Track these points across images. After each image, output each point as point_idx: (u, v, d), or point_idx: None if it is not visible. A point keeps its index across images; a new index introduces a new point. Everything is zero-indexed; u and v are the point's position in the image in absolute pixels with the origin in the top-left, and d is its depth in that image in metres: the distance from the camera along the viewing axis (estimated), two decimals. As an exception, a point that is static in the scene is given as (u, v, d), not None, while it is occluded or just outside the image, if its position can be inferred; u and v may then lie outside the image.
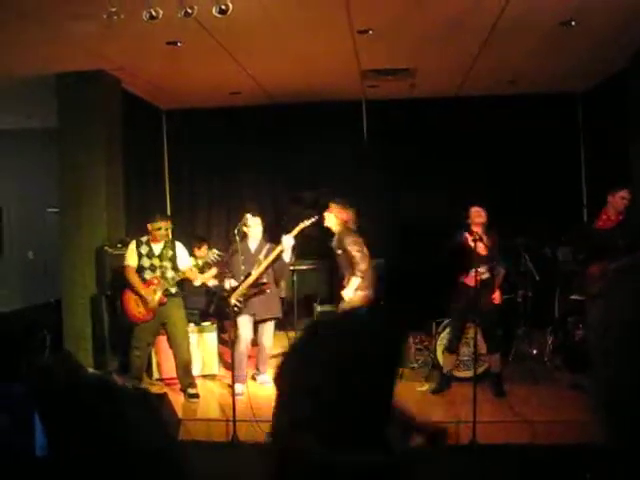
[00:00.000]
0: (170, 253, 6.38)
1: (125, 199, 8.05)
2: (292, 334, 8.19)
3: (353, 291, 6.30)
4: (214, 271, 7.33)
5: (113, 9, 5.24)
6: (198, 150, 9.82)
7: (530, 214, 8.68)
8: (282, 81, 8.29)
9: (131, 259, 6.36)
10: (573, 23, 6.14)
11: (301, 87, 8.55)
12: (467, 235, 5.94)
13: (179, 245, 6.54)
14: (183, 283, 6.64)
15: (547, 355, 7.14)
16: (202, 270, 7.05)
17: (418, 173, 9.23)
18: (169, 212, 10.02)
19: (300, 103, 9.20)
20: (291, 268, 8.12)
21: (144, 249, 6.35)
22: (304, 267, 8.78)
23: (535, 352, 7.30)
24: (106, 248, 7.36)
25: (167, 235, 6.42)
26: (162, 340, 6.82)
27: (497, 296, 6.29)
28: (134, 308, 6.29)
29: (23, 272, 10.47)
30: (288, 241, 6.40)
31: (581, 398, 5.74)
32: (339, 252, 6.49)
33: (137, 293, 6.26)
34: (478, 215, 6.14)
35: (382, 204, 9.26)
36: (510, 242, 7.43)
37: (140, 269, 6.32)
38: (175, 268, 6.35)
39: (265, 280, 6.56)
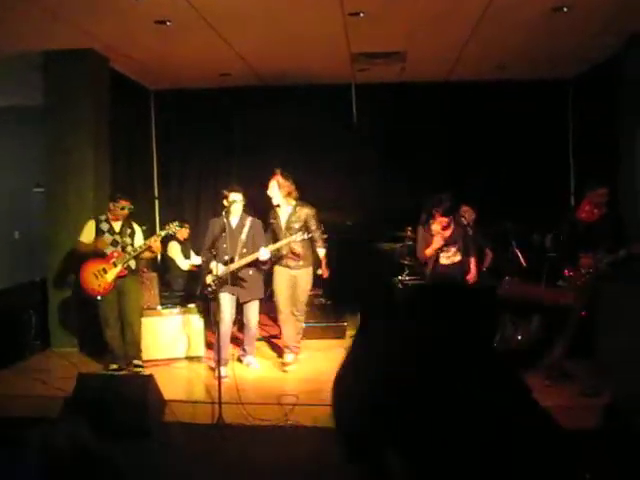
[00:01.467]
0: (129, 230, 6.60)
1: (112, 179, 7.99)
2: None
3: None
4: (198, 261, 7.37)
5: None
6: (186, 131, 9.76)
7: (519, 200, 8.71)
8: (272, 63, 8.24)
9: (85, 236, 6.53)
10: (565, 9, 6.14)
11: (291, 69, 8.50)
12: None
13: (135, 224, 6.74)
14: (165, 263, 6.69)
15: (532, 341, 7.16)
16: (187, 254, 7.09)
17: (407, 156, 9.22)
18: (156, 193, 10.00)
19: (290, 85, 9.16)
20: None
21: (104, 226, 6.53)
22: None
23: (520, 338, 7.33)
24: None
25: (127, 214, 6.59)
26: (147, 322, 6.83)
27: (472, 276, 6.39)
28: (93, 282, 6.38)
29: (9, 252, 10.39)
30: (264, 254, 6.41)
31: (567, 384, 5.80)
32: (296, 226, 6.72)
33: (90, 268, 6.38)
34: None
35: (371, 187, 9.24)
36: (499, 227, 7.49)
37: (102, 245, 6.47)
38: (132, 245, 6.54)
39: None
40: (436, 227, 6.17)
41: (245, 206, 6.67)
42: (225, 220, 6.34)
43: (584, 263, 5.64)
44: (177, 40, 7.09)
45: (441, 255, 6.25)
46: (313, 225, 6.74)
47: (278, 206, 6.80)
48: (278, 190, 6.73)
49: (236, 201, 6.56)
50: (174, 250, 8.35)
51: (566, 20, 6.42)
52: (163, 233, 6.60)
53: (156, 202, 9.98)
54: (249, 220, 6.65)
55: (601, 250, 5.53)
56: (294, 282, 6.75)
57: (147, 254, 6.71)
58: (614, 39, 7.08)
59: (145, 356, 6.81)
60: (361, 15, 6.37)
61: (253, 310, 6.70)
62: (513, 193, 8.84)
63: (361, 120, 9.53)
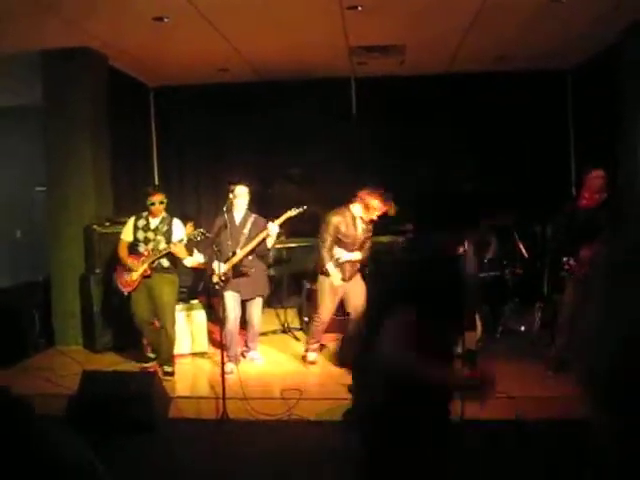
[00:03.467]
0: (165, 228, 6.42)
1: (112, 177, 8.00)
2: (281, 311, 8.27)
3: None
4: (202, 259, 7.33)
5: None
6: (186, 127, 9.76)
7: (520, 191, 8.71)
8: (270, 58, 8.23)
9: (125, 233, 6.48)
10: (563, -1, 6.13)
11: (289, 64, 8.49)
12: None
13: (177, 222, 6.55)
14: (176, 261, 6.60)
15: (535, 331, 7.20)
16: (190, 251, 7.02)
17: (407, 150, 9.21)
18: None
19: (288, 80, 9.15)
20: (281, 246, 8.11)
21: (141, 223, 6.43)
22: (294, 245, 8.77)
23: (523, 328, 7.36)
24: (94, 226, 7.36)
25: (162, 209, 6.43)
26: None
27: None
28: (122, 277, 6.40)
29: (11, 251, 10.42)
30: (274, 229, 6.37)
31: (567, 374, 5.81)
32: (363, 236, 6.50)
33: (123, 265, 6.38)
34: None
35: (370, 180, 9.21)
36: (500, 218, 7.50)
37: (135, 242, 6.40)
38: (169, 243, 6.37)
39: (250, 258, 6.54)
40: None
41: (250, 202, 6.65)
42: (226, 216, 6.23)
43: (584, 254, 5.63)
44: (175, 36, 7.08)
45: None
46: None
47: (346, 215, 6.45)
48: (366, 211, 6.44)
49: (241, 195, 6.51)
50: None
51: (564, 9, 6.40)
52: (185, 239, 6.38)
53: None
54: (253, 217, 6.60)
55: (601, 240, 5.51)
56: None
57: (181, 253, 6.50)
58: (613, 28, 7.06)
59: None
60: (359, 8, 6.36)
61: (256, 307, 6.69)
62: (514, 184, 8.84)
63: (360, 114, 9.53)
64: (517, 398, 5.32)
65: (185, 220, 8.26)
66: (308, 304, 7.96)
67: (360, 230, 6.42)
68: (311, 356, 6.70)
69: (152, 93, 9.89)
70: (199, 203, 9.96)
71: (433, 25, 7.00)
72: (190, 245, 8.21)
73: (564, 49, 8.05)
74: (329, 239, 6.35)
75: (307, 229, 7.85)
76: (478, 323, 6.47)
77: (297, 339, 7.76)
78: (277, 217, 6.47)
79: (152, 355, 6.66)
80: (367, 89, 9.36)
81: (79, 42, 7.14)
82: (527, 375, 6.03)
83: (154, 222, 6.42)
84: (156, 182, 9.98)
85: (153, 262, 6.31)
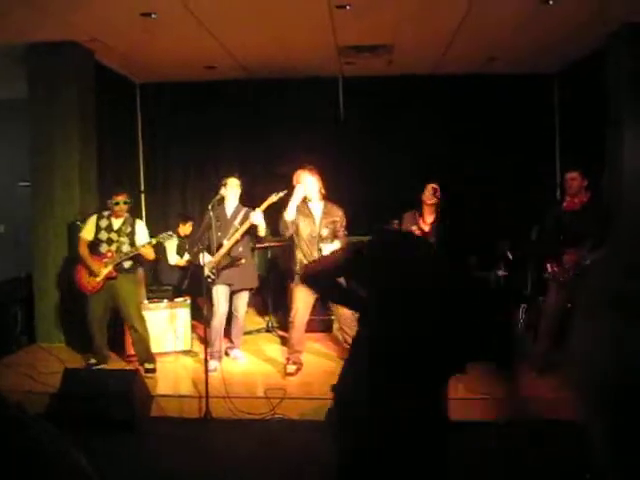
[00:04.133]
0: (129, 229, 6.41)
1: (98, 174, 7.94)
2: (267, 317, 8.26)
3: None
4: (186, 258, 7.31)
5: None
6: (172, 124, 9.71)
7: (505, 193, 8.74)
8: (258, 55, 8.20)
9: (86, 232, 6.43)
10: (551, 2, 6.15)
11: (278, 62, 8.47)
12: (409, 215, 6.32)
13: (140, 223, 6.56)
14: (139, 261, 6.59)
15: (519, 333, 7.22)
16: (181, 253, 7.05)
17: (394, 150, 9.22)
18: (142, 187, 9.94)
19: (276, 78, 9.13)
20: (265, 245, 8.07)
21: (104, 223, 6.41)
22: (277, 244, 8.74)
23: (507, 330, 7.38)
24: (78, 223, 7.29)
25: (126, 209, 6.42)
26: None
27: None
28: (84, 278, 6.36)
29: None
30: (256, 216, 6.31)
31: (552, 375, 5.84)
32: (326, 221, 6.37)
33: (86, 265, 6.34)
34: (429, 195, 6.18)
35: (358, 180, 9.23)
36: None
37: (97, 242, 6.37)
38: (132, 244, 6.38)
39: (240, 249, 6.51)
40: (426, 195, 6.16)
41: (241, 197, 6.61)
42: (211, 213, 6.12)
43: (567, 259, 5.65)
44: (162, 33, 7.04)
45: None
46: (342, 230, 6.44)
47: (302, 206, 6.38)
48: (316, 187, 6.36)
49: (233, 186, 6.48)
50: (169, 244, 8.30)
51: (551, 13, 6.43)
52: (154, 241, 6.40)
53: (142, 196, 9.93)
54: (244, 210, 6.57)
55: (585, 246, 5.53)
56: None
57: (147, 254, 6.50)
58: (598, 32, 7.10)
59: (130, 350, 6.78)
60: (348, 8, 6.36)
61: (242, 300, 6.68)
62: (500, 185, 8.87)
63: (348, 113, 9.53)
64: (500, 399, 5.34)
65: (185, 219, 8.31)
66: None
67: (317, 220, 6.35)
68: (289, 368, 6.42)
69: (138, 89, 9.84)
70: (184, 200, 9.92)
71: (421, 26, 7.01)
72: (184, 244, 8.19)
73: (551, 52, 8.09)
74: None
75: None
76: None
77: (281, 338, 7.74)
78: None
79: (94, 360, 6.56)
80: (355, 88, 9.35)
81: (66, 36, 7.08)
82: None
83: (117, 223, 6.40)
84: (141, 179, 9.94)
85: (117, 264, 6.31)
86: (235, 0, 6.09)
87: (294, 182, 6.33)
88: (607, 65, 7.41)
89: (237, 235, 6.42)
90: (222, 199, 6.44)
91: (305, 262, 6.14)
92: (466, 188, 7.21)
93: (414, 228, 6.35)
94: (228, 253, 6.43)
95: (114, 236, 6.36)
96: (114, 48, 7.68)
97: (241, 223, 6.46)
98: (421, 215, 6.24)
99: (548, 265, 5.80)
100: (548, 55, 8.22)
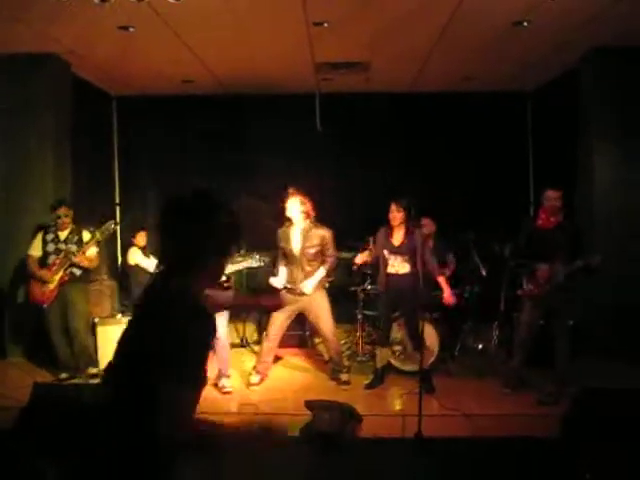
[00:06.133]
0: (76, 238, 6.52)
1: (73, 185, 7.87)
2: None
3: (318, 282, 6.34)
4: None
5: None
6: (149, 137, 9.66)
7: (480, 209, 8.82)
8: (236, 71, 8.22)
9: (33, 249, 6.53)
10: (525, 23, 6.26)
11: (255, 78, 8.49)
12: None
13: (85, 232, 6.60)
14: (125, 271, 6.59)
15: (492, 349, 7.26)
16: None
17: (370, 167, 9.27)
18: (118, 199, 9.88)
19: (253, 94, 9.15)
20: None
21: (50, 236, 6.51)
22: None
23: (481, 347, 7.42)
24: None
25: (69, 222, 6.53)
26: (105, 331, 6.75)
27: (448, 296, 6.25)
28: (37, 291, 6.41)
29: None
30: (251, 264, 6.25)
31: (524, 392, 5.88)
32: (308, 244, 6.31)
33: (36, 279, 6.40)
34: (393, 214, 6.22)
35: (334, 197, 9.25)
36: (460, 236, 7.58)
37: (45, 255, 6.45)
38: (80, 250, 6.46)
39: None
40: (392, 214, 6.20)
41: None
42: None
43: (541, 275, 5.70)
44: (140, 46, 7.03)
45: (388, 263, 6.26)
46: (331, 249, 6.39)
47: (288, 227, 6.39)
48: (299, 210, 6.32)
49: None
50: (136, 256, 8.22)
51: (526, 33, 6.54)
52: (98, 234, 6.42)
53: (117, 208, 9.86)
54: None
55: (558, 261, 5.58)
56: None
57: (86, 263, 6.50)
58: (572, 53, 7.25)
59: (103, 366, 6.69)
60: (325, 25, 6.41)
61: (221, 319, 6.30)
62: (474, 203, 8.96)
63: (325, 129, 9.56)
64: (474, 416, 5.36)
65: (142, 229, 8.26)
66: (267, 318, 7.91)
67: (298, 243, 6.33)
68: (253, 379, 6.38)
69: (115, 102, 9.79)
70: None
71: (398, 44, 7.08)
72: (146, 254, 8.13)
73: (525, 72, 8.23)
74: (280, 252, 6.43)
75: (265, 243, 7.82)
76: (435, 341, 6.51)
77: (255, 353, 7.69)
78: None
79: (65, 374, 6.55)
80: (332, 105, 9.39)
81: (43, 48, 7.04)
82: (484, 393, 6.08)
83: (63, 235, 6.51)
84: (117, 191, 9.87)
85: (67, 269, 6.38)
86: (213, 15, 6.10)
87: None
88: (579, 85, 7.55)
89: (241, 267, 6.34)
90: None
91: (289, 286, 6.32)
92: (439, 204, 7.30)
93: (357, 260, 6.51)
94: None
95: (62, 246, 6.46)
96: (92, 61, 7.64)
97: None
98: (391, 231, 6.28)
99: (524, 282, 5.84)
100: (522, 74, 8.36)
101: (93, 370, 6.54)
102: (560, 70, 8.00)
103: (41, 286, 6.38)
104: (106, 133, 9.67)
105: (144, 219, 9.52)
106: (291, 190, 6.38)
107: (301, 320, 7.28)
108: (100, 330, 6.77)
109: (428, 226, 7.39)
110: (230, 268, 6.12)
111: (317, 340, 7.66)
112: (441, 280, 6.26)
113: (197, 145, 9.56)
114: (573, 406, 4.24)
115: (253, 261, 6.22)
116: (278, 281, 6.42)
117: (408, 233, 6.21)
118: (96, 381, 6.28)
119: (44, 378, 6.48)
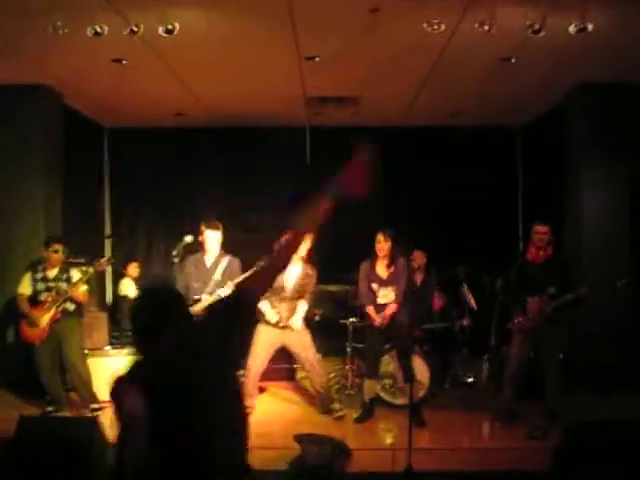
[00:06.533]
0: (65, 275, 6.40)
1: (63, 217, 7.85)
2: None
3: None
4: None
5: (58, 23, 5.19)
6: (140, 169, 9.68)
7: (470, 244, 8.84)
8: (227, 104, 8.29)
9: (23, 288, 6.41)
10: (513, 60, 6.36)
11: (246, 111, 8.56)
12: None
13: (74, 269, 6.49)
14: (115, 302, 6.51)
15: (483, 383, 7.23)
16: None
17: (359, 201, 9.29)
18: (109, 232, 9.85)
19: (244, 127, 9.21)
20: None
21: (39, 275, 6.39)
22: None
23: (471, 380, 7.39)
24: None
25: (60, 258, 6.41)
26: (94, 363, 6.68)
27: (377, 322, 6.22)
28: (29, 330, 6.32)
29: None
30: (225, 291, 5.95)
31: (515, 425, 5.84)
32: (300, 280, 6.37)
33: (27, 319, 6.30)
34: (380, 245, 6.23)
35: (321, 229, 9.24)
36: (450, 270, 7.59)
37: (36, 294, 6.35)
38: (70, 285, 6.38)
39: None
40: (379, 245, 6.20)
41: (223, 244, 6.33)
42: (176, 260, 6.05)
43: (531, 307, 5.71)
44: (132, 79, 7.09)
45: (378, 295, 6.26)
46: (312, 286, 6.49)
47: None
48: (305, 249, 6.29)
49: (211, 238, 6.21)
50: (127, 286, 8.19)
51: (514, 69, 6.64)
52: (91, 270, 6.35)
53: (106, 241, 9.82)
54: (226, 259, 6.23)
55: (548, 294, 5.60)
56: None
57: (81, 297, 6.44)
58: (559, 88, 7.37)
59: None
60: (317, 59, 6.49)
61: None
62: (464, 237, 8.99)
63: (315, 163, 9.61)
64: (465, 450, 5.32)
65: (133, 260, 8.20)
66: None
67: (293, 280, 6.33)
68: None
69: (107, 133, 9.83)
70: (150, 247, 9.83)
71: (387, 79, 7.18)
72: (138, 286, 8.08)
73: (513, 107, 8.34)
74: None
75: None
76: (426, 375, 6.47)
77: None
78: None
79: (52, 408, 6.44)
80: (322, 138, 9.45)
81: (35, 79, 7.10)
82: (475, 426, 6.04)
83: (52, 273, 6.39)
84: (107, 224, 9.86)
85: (59, 305, 6.28)
86: (205, 50, 6.18)
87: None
88: (566, 120, 7.66)
89: (209, 300, 6.01)
90: (188, 245, 6.26)
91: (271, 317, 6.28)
92: (428, 238, 7.32)
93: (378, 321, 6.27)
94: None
95: (52, 284, 6.35)
96: (84, 92, 7.69)
97: (223, 274, 6.13)
98: (374, 263, 6.28)
99: (517, 316, 5.84)
100: (510, 110, 8.47)
101: (96, 406, 6.35)
102: (548, 106, 8.12)
103: (32, 324, 6.27)
104: (97, 164, 9.69)
105: (135, 250, 9.52)
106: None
107: (287, 353, 7.24)
108: (90, 362, 6.66)
109: (419, 259, 7.42)
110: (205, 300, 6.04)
111: (301, 375, 7.58)
112: (370, 310, 6.25)
113: (188, 178, 9.57)
114: (564, 438, 4.21)
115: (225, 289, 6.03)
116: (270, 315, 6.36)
117: (392, 263, 6.24)
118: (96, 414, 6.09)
119: (31, 411, 6.38)
